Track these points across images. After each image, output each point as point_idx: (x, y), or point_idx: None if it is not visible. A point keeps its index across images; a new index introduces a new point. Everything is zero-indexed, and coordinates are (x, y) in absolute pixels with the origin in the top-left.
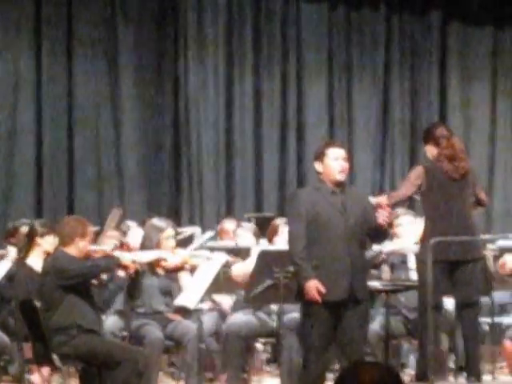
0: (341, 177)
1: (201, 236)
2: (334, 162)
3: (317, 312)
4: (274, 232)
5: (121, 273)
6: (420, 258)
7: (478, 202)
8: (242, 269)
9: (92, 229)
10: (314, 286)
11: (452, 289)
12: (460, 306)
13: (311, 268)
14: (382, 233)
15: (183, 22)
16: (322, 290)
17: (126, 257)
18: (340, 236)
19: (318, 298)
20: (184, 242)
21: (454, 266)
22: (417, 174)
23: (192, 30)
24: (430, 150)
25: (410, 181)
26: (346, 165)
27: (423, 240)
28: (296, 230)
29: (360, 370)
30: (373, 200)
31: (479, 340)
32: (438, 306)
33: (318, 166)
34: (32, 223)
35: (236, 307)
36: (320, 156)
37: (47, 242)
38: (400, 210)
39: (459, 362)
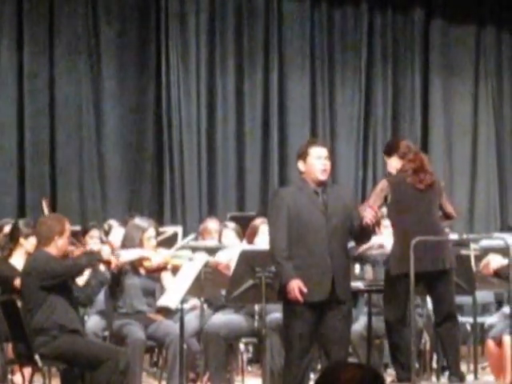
0: (323, 176)
1: (182, 239)
2: (317, 161)
3: (299, 312)
4: (254, 233)
5: (102, 268)
6: (389, 270)
7: (446, 216)
8: (225, 257)
9: (70, 226)
10: (295, 286)
11: (425, 292)
12: (438, 318)
13: (293, 268)
14: (366, 233)
15: (165, 20)
16: (304, 289)
17: (106, 252)
18: (321, 236)
19: (299, 298)
20: (167, 242)
21: (428, 277)
22: (382, 187)
23: (174, 29)
24: (394, 163)
25: (376, 193)
26: (328, 164)
27: (391, 252)
28: (277, 230)
29: (341, 371)
30: None
31: (459, 346)
32: (403, 321)
33: (300, 165)
34: (16, 222)
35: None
36: (302, 155)
37: (30, 243)
38: None
39: (442, 362)
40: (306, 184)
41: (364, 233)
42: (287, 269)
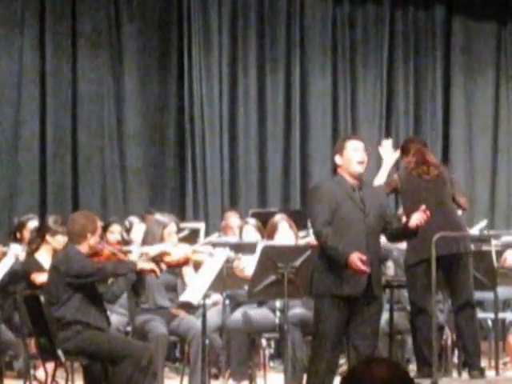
0: (359, 168)
1: (204, 236)
2: (353, 153)
3: (332, 305)
4: (274, 229)
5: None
6: (407, 261)
7: (459, 207)
8: (246, 263)
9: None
10: (356, 258)
11: (444, 285)
12: (456, 306)
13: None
14: (409, 234)
15: (187, 17)
16: (364, 258)
17: (136, 253)
18: (360, 231)
19: (365, 268)
20: (189, 238)
21: (443, 262)
22: (393, 179)
23: (196, 25)
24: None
25: (387, 183)
26: (365, 156)
27: (407, 243)
28: (323, 218)
29: (373, 367)
30: None
31: (478, 337)
32: (426, 310)
33: (337, 159)
34: (45, 219)
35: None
36: (339, 149)
37: (56, 241)
38: None
39: (463, 358)
40: (343, 179)
41: (407, 234)
42: (340, 248)
